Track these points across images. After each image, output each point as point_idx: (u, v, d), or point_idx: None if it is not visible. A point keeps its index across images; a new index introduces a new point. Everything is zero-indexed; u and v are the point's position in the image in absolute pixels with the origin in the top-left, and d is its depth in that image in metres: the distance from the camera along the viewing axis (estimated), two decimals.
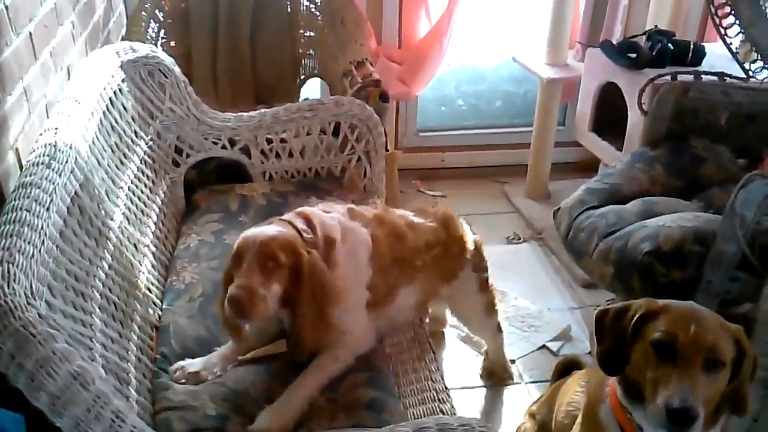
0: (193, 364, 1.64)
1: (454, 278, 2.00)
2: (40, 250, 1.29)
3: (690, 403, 1.21)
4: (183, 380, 1.61)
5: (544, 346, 2.59)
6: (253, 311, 1.48)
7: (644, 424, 1.34)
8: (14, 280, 1.17)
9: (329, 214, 1.74)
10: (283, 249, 1.53)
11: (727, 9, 2.71)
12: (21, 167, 1.60)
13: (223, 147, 2.37)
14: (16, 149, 1.60)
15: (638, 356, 1.32)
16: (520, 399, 2.35)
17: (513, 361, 2.48)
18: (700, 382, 1.24)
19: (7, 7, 1.57)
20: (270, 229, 1.58)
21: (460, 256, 1.99)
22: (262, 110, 2.42)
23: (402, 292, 1.81)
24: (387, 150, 2.61)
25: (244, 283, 1.48)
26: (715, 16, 2.72)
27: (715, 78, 2.60)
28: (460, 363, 2.51)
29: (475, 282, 2.07)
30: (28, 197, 1.37)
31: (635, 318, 1.34)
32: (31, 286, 1.20)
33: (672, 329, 1.28)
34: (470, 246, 2.03)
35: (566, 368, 2.02)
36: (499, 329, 2.29)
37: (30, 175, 1.44)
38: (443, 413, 1.71)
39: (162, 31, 2.97)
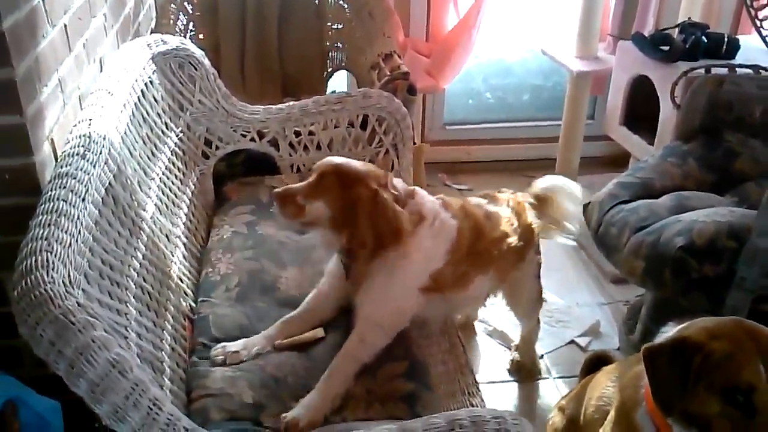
0: (233, 345, 1.67)
1: (522, 261, 2.06)
2: (77, 240, 1.30)
3: None
4: (222, 358, 1.64)
5: (572, 342, 2.57)
6: (284, 210, 1.70)
7: None
8: (53, 269, 1.18)
9: (433, 198, 1.81)
10: (340, 178, 1.67)
11: (763, 1, 2.66)
12: (56, 158, 1.61)
13: (252, 139, 2.38)
14: (52, 140, 1.61)
15: (704, 401, 1.24)
16: (548, 394, 2.34)
17: (541, 356, 2.47)
18: None
19: (43, 0, 1.58)
20: (347, 160, 1.74)
21: (530, 241, 2.04)
22: (291, 103, 2.42)
23: (476, 281, 1.86)
24: (414, 143, 2.60)
25: (292, 188, 1.70)
26: (750, 8, 2.68)
27: (749, 71, 2.56)
28: (487, 357, 2.50)
29: (536, 266, 2.14)
30: (64, 187, 1.39)
31: (695, 362, 1.24)
32: (68, 275, 1.21)
33: (746, 379, 1.20)
34: (536, 230, 2.08)
35: (595, 363, 2.00)
36: (538, 321, 2.31)
37: (65, 166, 1.46)
38: (473, 406, 1.71)
39: (191, 24, 2.99)
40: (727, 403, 1.22)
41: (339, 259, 1.78)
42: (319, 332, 1.74)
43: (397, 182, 1.76)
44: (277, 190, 1.70)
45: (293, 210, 1.68)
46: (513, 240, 1.93)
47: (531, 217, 2.05)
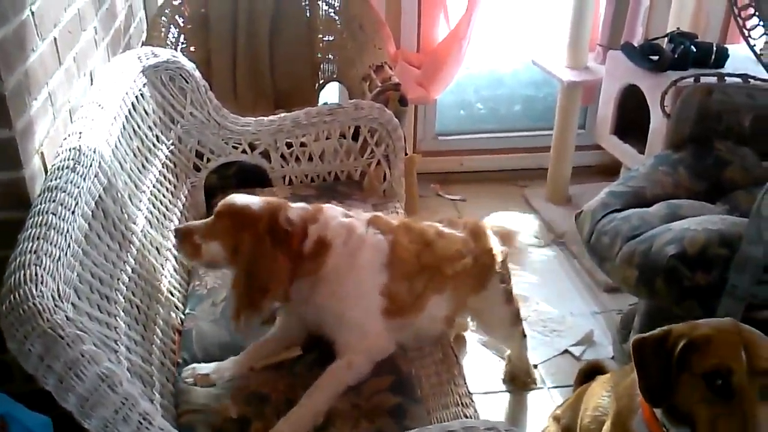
0: (204, 367, 1.66)
1: (482, 289, 1.98)
2: (66, 253, 1.30)
3: None
4: (191, 380, 1.62)
5: (566, 351, 2.57)
6: (181, 247, 1.71)
7: None
8: (42, 283, 1.17)
9: (348, 218, 1.74)
10: (233, 218, 1.65)
11: (751, 10, 2.67)
12: (46, 171, 1.61)
13: (244, 151, 2.38)
14: (42, 153, 1.61)
15: (687, 389, 1.27)
16: (543, 404, 2.33)
17: (535, 366, 2.46)
18: (762, 417, 1.20)
19: (33, 13, 1.58)
20: (243, 198, 1.70)
21: (490, 267, 1.97)
22: (282, 114, 2.42)
23: (432, 301, 1.79)
24: (406, 154, 2.61)
25: (191, 224, 1.73)
26: (738, 18, 2.69)
27: (738, 80, 2.57)
28: (481, 368, 2.49)
29: (502, 293, 2.05)
30: (53, 201, 1.38)
31: (678, 348, 1.28)
32: (58, 289, 1.20)
33: (724, 362, 1.22)
34: (499, 258, 2.01)
35: (589, 373, 2.00)
36: (524, 335, 2.27)
37: (55, 179, 1.45)
38: (467, 417, 1.69)
39: (182, 37, 2.98)
40: (707, 388, 1.24)
41: None
42: (296, 350, 1.72)
43: (293, 210, 1.69)
44: (177, 226, 1.73)
45: (190, 249, 1.67)
46: (468, 260, 1.86)
47: (492, 242, 1.99)
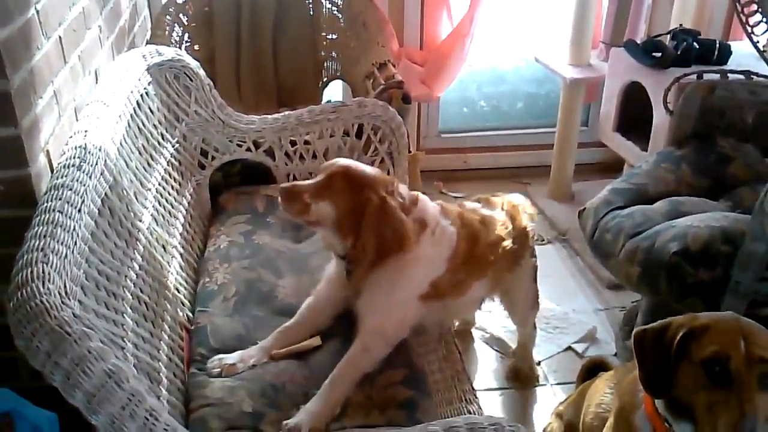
0: (230, 357, 1.67)
1: (517, 265, 2.06)
2: (72, 251, 1.30)
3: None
4: (218, 370, 1.63)
5: (569, 348, 2.57)
6: (289, 206, 1.69)
7: None
8: (49, 280, 1.18)
9: (436, 208, 1.81)
10: (350, 180, 1.67)
11: (754, 7, 2.68)
12: (52, 169, 1.62)
13: (248, 149, 2.38)
14: (47, 151, 1.62)
15: (686, 378, 1.28)
16: (546, 400, 2.33)
17: (538, 363, 2.47)
18: (760, 404, 1.21)
19: (38, 12, 1.59)
20: (356, 163, 1.75)
21: (524, 243, 2.05)
22: (286, 112, 2.42)
23: (473, 287, 1.87)
24: (409, 151, 2.61)
25: (300, 185, 1.70)
26: (741, 14, 2.69)
27: (741, 76, 2.58)
28: (485, 364, 2.50)
29: (532, 269, 2.15)
30: (60, 199, 1.39)
31: (678, 337, 1.29)
32: (65, 286, 1.21)
33: (722, 349, 1.24)
34: (531, 234, 2.08)
35: (592, 369, 2.01)
36: (534, 326, 2.32)
37: (61, 177, 1.46)
38: (470, 413, 1.71)
39: (186, 35, 3.00)
40: (706, 375, 1.25)
41: (338, 264, 1.78)
42: (316, 340, 1.74)
43: (403, 189, 1.76)
44: (283, 185, 1.70)
45: (298, 207, 1.67)
46: (508, 243, 1.94)
47: (525, 220, 2.06)
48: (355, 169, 1.70)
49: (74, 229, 1.35)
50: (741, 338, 1.24)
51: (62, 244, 1.29)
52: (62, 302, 1.16)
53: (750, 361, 1.22)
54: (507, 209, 2.01)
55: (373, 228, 1.64)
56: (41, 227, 1.31)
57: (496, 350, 2.56)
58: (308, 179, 1.75)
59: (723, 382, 1.24)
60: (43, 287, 1.16)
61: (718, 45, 2.81)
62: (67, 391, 1.09)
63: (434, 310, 1.80)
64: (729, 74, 2.58)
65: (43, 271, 1.19)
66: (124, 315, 1.48)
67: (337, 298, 1.79)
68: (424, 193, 3.24)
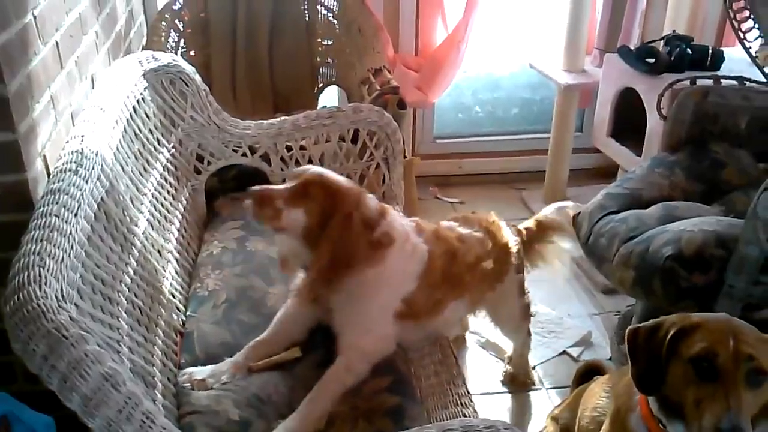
0: (201, 371, 1.65)
1: (499, 282, 2.03)
2: (69, 255, 1.31)
3: (741, 425, 1.19)
4: (188, 385, 1.62)
5: (564, 352, 2.58)
6: (260, 211, 1.61)
7: None
8: (45, 284, 1.18)
9: (404, 221, 1.78)
10: (324, 189, 1.63)
11: (746, 13, 2.69)
12: (49, 174, 1.62)
13: (244, 154, 2.39)
14: (44, 156, 1.62)
15: (676, 375, 1.30)
16: (541, 405, 2.34)
17: (534, 367, 2.48)
18: (745, 399, 1.22)
19: (35, 17, 1.60)
20: (330, 172, 1.70)
21: (507, 261, 2.02)
22: (282, 118, 2.43)
23: (450, 306, 1.84)
24: (405, 157, 2.62)
25: (271, 188, 1.64)
26: (733, 21, 2.71)
27: (734, 82, 2.59)
28: (480, 369, 2.51)
29: (517, 285, 2.11)
30: (56, 203, 1.39)
31: (669, 335, 1.31)
32: (61, 290, 1.21)
33: (710, 345, 1.25)
34: (514, 250, 2.05)
35: (587, 373, 2.02)
36: (529, 333, 2.32)
37: (58, 182, 1.46)
38: (466, 417, 1.71)
39: (182, 41, 3.00)
40: (694, 372, 1.27)
41: (304, 278, 1.75)
42: (296, 351, 1.72)
43: (371, 201, 1.72)
44: (255, 188, 1.63)
45: (270, 213, 1.61)
46: (487, 263, 1.92)
47: (507, 236, 2.04)
48: (329, 177, 1.67)
49: (71, 233, 1.35)
50: (730, 337, 1.26)
51: (59, 248, 1.29)
52: (59, 306, 1.16)
53: (737, 358, 1.24)
54: (485, 227, 1.99)
55: (331, 241, 1.61)
56: (38, 231, 1.31)
57: (492, 354, 2.56)
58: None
59: (710, 378, 1.25)
60: (40, 291, 1.17)
61: (711, 51, 2.83)
62: (63, 394, 1.09)
63: (410, 330, 1.77)
64: (722, 80, 2.60)
65: (40, 275, 1.20)
66: (120, 319, 1.48)
67: (308, 311, 1.76)
68: (419, 198, 3.28)
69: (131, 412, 1.10)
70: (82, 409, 1.09)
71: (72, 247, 1.33)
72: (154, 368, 1.56)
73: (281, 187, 1.66)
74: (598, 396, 1.64)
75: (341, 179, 1.70)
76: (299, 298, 1.77)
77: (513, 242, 2.07)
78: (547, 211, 2.33)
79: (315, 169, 1.70)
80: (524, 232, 2.22)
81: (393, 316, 1.71)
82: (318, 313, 1.74)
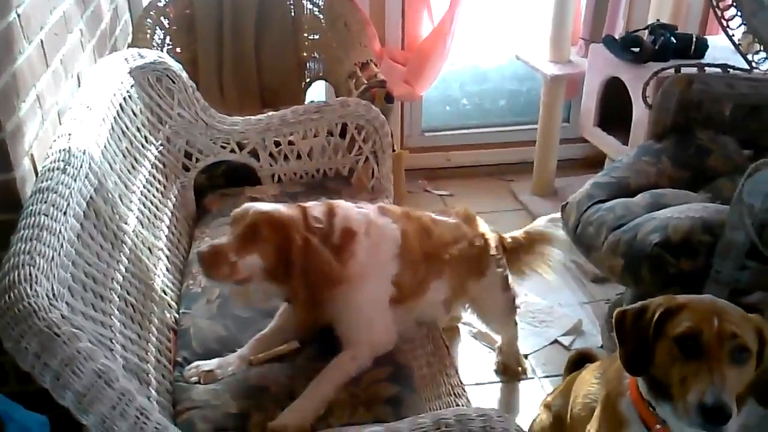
0: (207, 364, 1.66)
1: (482, 275, 2.05)
2: (59, 253, 1.31)
3: (723, 400, 1.20)
4: (196, 378, 1.63)
5: (556, 341, 2.60)
6: (215, 272, 1.55)
7: (670, 420, 1.34)
8: (36, 283, 1.19)
9: (359, 209, 1.77)
10: (272, 226, 1.58)
11: (729, 1, 2.72)
12: (36, 173, 1.62)
13: (232, 150, 2.39)
14: (32, 155, 1.62)
15: (662, 354, 1.32)
16: (534, 393, 2.36)
17: (526, 357, 2.49)
18: (729, 376, 1.24)
19: (19, 16, 1.59)
20: (267, 205, 1.64)
21: (485, 251, 2.03)
22: (270, 113, 2.43)
23: (432, 286, 1.84)
24: (393, 150, 2.62)
25: (218, 244, 1.57)
26: (716, 9, 2.73)
27: (718, 70, 2.61)
28: (473, 359, 2.52)
29: (500, 280, 2.12)
30: (45, 202, 1.39)
31: (656, 316, 1.33)
32: (52, 289, 1.22)
33: (695, 324, 1.27)
34: (493, 242, 2.06)
35: (578, 361, 2.03)
36: (515, 323, 2.33)
37: (46, 180, 1.46)
38: (459, 407, 1.72)
39: (168, 38, 2.99)
40: (680, 350, 1.28)
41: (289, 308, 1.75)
42: (294, 344, 1.73)
43: (314, 209, 1.69)
44: (200, 249, 1.57)
45: (226, 270, 1.54)
46: (464, 244, 1.93)
47: (483, 227, 2.06)
48: (271, 212, 1.61)
49: (60, 231, 1.35)
50: (715, 316, 1.28)
51: (49, 247, 1.30)
52: (50, 304, 1.16)
53: (721, 336, 1.26)
54: (461, 215, 2.01)
55: (300, 272, 1.58)
56: (27, 231, 1.31)
57: (484, 344, 2.58)
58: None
59: (695, 355, 1.27)
60: (31, 290, 1.17)
61: (695, 39, 2.85)
62: (57, 392, 1.10)
63: (400, 315, 1.77)
64: (706, 68, 2.62)
65: (30, 274, 1.20)
66: (112, 317, 1.48)
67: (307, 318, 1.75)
68: (408, 191, 3.29)
69: (125, 408, 1.11)
70: (75, 406, 1.09)
71: (62, 246, 1.34)
72: (148, 365, 1.56)
73: (223, 239, 1.59)
74: (589, 383, 1.65)
75: (280, 207, 1.65)
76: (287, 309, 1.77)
77: (490, 233, 2.08)
78: (538, 223, 2.34)
79: (251, 207, 1.63)
80: (506, 237, 2.24)
81: (388, 302, 1.72)
82: (318, 319, 1.73)
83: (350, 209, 1.74)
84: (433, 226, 1.87)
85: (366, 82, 2.69)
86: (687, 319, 1.30)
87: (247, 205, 1.65)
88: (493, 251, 2.07)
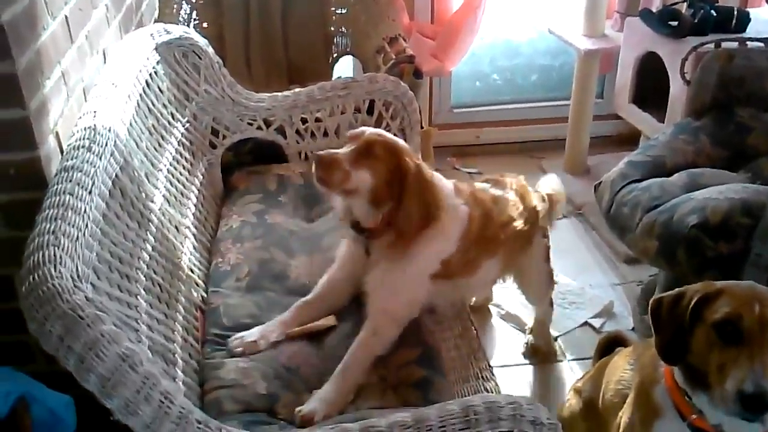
0: (250, 334, 1.66)
1: (529, 245, 2.05)
2: (84, 234, 1.29)
3: (765, 387, 1.17)
4: (240, 349, 1.62)
5: (586, 323, 2.55)
6: (329, 177, 1.61)
7: (707, 409, 1.31)
8: (60, 264, 1.17)
9: (449, 182, 1.80)
10: (389, 150, 1.65)
11: None
12: (62, 151, 1.60)
13: (259, 128, 2.37)
14: (56, 133, 1.60)
15: (700, 341, 1.28)
16: (563, 376, 2.33)
17: (555, 339, 2.45)
18: None
19: None
20: (391, 135, 1.71)
21: (534, 224, 2.03)
22: (297, 90, 2.40)
23: (484, 266, 1.85)
24: (422, 127, 2.58)
25: (335, 152, 1.63)
26: None
27: (761, 44, 2.52)
28: (501, 341, 2.49)
29: (544, 249, 2.13)
30: (70, 181, 1.38)
31: (693, 302, 1.29)
32: (77, 269, 1.20)
33: (736, 309, 1.23)
34: (541, 214, 2.06)
35: (609, 345, 1.99)
36: (551, 303, 2.31)
37: (71, 159, 1.45)
38: (487, 391, 1.69)
39: (194, 13, 2.97)
40: (718, 336, 1.25)
41: (355, 242, 1.76)
42: (331, 320, 1.73)
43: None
44: (319, 153, 1.62)
45: (339, 176, 1.60)
46: (519, 224, 1.92)
47: (535, 200, 2.05)
48: (388, 136, 1.69)
49: (85, 211, 1.34)
50: (756, 301, 1.24)
51: (73, 226, 1.28)
52: (74, 286, 1.15)
53: (763, 322, 1.22)
54: (516, 188, 1.99)
55: (416, 195, 1.63)
56: (52, 210, 1.30)
57: (513, 326, 2.54)
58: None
59: (734, 341, 1.23)
60: (55, 271, 1.15)
61: (736, 12, 2.75)
62: (80, 375, 1.09)
63: (445, 290, 1.79)
64: (748, 42, 2.53)
65: (55, 255, 1.19)
66: (138, 297, 1.47)
67: (352, 278, 1.77)
68: (437, 169, 3.25)
69: (149, 392, 1.09)
70: (99, 390, 1.08)
71: (87, 226, 1.32)
72: (175, 345, 1.55)
73: (342, 150, 1.65)
74: (622, 369, 1.61)
75: (396, 138, 1.72)
76: (345, 265, 1.78)
77: (540, 205, 2.06)
78: (547, 185, 2.29)
79: (371, 129, 1.71)
80: (548, 197, 2.20)
81: (429, 277, 1.72)
82: (361, 277, 1.75)
83: (443, 181, 1.79)
84: (493, 209, 1.86)
85: (394, 57, 2.64)
86: (726, 304, 1.26)
87: (370, 129, 1.71)
88: (540, 223, 2.07)
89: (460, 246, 1.74)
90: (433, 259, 1.72)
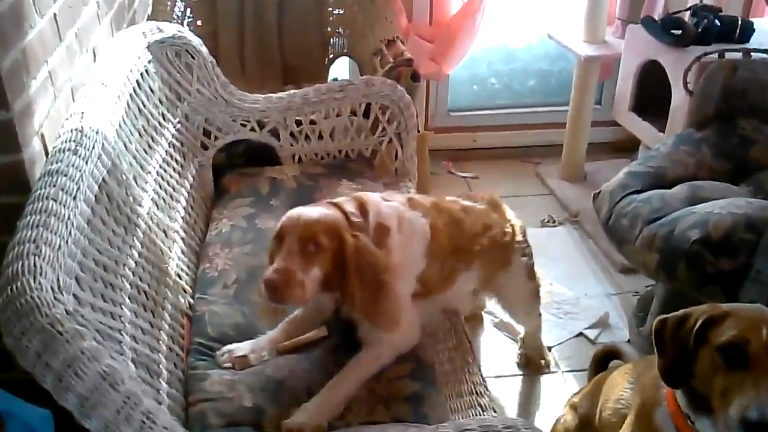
0: (240, 348, 1.61)
1: (507, 264, 1.98)
2: (67, 241, 1.24)
3: None
4: (229, 364, 1.57)
5: (581, 334, 2.51)
6: (289, 295, 1.46)
7: None
8: (41, 274, 1.12)
9: (388, 202, 1.69)
10: (326, 232, 1.49)
11: None
12: (47, 154, 1.55)
13: (252, 129, 2.33)
14: (42, 135, 1.55)
15: (704, 365, 1.24)
16: (557, 388, 2.29)
17: (549, 349, 2.41)
18: None
19: None
20: (314, 211, 1.55)
21: (512, 240, 1.97)
22: (292, 91, 2.37)
23: (461, 278, 1.79)
24: (418, 131, 2.54)
25: (282, 266, 1.46)
26: None
27: (765, 55, 2.48)
28: (495, 350, 2.45)
29: (525, 268, 2.05)
30: (54, 186, 1.32)
31: (698, 324, 1.26)
32: (58, 280, 1.15)
33: (742, 333, 1.20)
34: (519, 230, 2.00)
35: (605, 357, 1.96)
36: (539, 314, 2.25)
37: (56, 162, 1.39)
38: (480, 407, 1.66)
39: (188, 11, 2.93)
40: (723, 360, 1.22)
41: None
42: (323, 330, 1.68)
43: (346, 204, 1.60)
44: (267, 277, 1.45)
45: (299, 292, 1.45)
46: (493, 232, 1.86)
47: (510, 214, 1.99)
48: (321, 218, 1.52)
49: (69, 218, 1.29)
50: (763, 325, 1.20)
51: (56, 234, 1.23)
52: (54, 298, 1.10)
53: None
54: (487, 200, 1.94)
55: (357, 275, 1.50)
56: (34, 216, 1.25)
57: (506, 335, 2.50)
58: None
59: (739, 365, 1.20)
60: (35, 282, 1.10)
61: (740, 22, 2.71)
62: (58, 394, 1.04)
63: (425, 307, 1.72)
64: (752, 53, 2.49)
65: (35, 265, 1.13)
66: (123, 306, 1.42)
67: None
68: (432, 173, 3.21)
69: (130, 412, 1.05)
70: (78, 410, 1.04)
71: (70, 233, 1.27)
72: (160, 355, 1.51)
73: (283, 257, 1.48)
74: (621, 387, 1.57)
75: (317, 209, 1.56)
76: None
77: (516, 222, 2.01)
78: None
79: (294, 216, 1.53)
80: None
81: (410, 297, 1.66)
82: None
83: (380, 203, 1.66)
84: (463, 216, 1.80)
85: (392, 60, 2.60)
86: (732, 327, 1.22)
87: (293, 213, 1.55)
88: (519, 239, 2.00)
89: (431, 259, 1.68)
90: (408, 280, 1.64)
